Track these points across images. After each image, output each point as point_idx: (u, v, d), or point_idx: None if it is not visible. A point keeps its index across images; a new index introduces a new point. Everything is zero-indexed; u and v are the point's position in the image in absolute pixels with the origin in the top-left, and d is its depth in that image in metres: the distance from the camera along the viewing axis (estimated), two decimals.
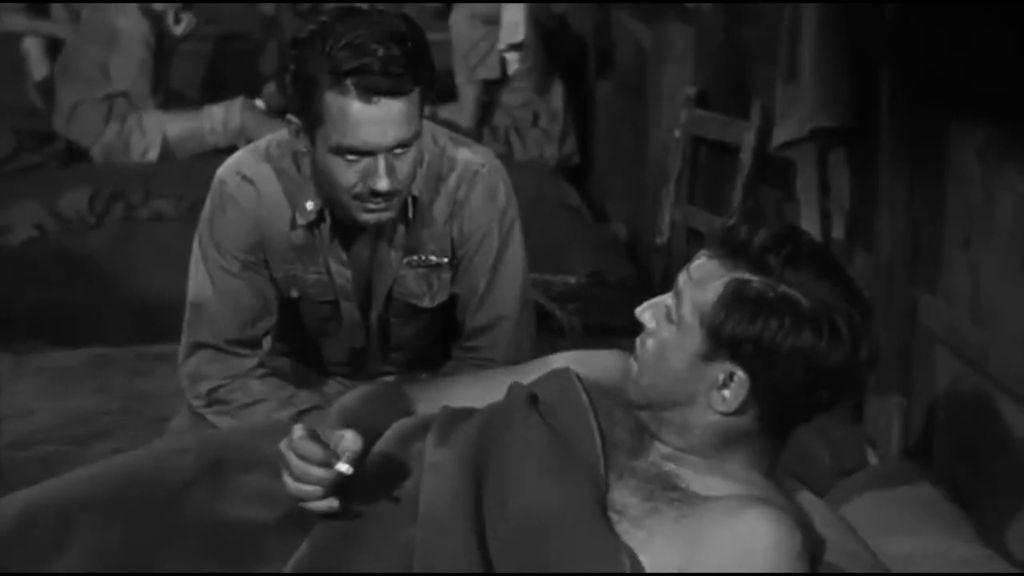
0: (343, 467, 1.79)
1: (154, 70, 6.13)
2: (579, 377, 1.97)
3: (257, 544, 1.87)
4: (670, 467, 1.86)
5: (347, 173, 2.27)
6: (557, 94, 6.47)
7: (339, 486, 1.81)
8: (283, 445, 1.82)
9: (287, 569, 1.81)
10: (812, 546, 1.83)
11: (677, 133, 5.01)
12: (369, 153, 2.25)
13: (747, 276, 1.81)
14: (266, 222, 2.44)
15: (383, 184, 2.26)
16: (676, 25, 5.14)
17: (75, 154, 6.08)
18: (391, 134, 2.23)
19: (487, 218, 2.46)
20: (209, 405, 2.51)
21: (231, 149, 6.00)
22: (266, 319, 2.50)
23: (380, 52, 2.19)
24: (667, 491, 1.83)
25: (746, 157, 4.47)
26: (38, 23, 6.43)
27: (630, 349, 1.93)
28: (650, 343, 1.88)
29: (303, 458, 1.80)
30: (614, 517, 1.81)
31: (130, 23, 6.05)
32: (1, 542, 1.91)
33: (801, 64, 3.63)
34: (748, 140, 4.46)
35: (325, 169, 2.30)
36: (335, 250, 2.45)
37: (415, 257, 2.46)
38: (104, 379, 4.15)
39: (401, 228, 2.43)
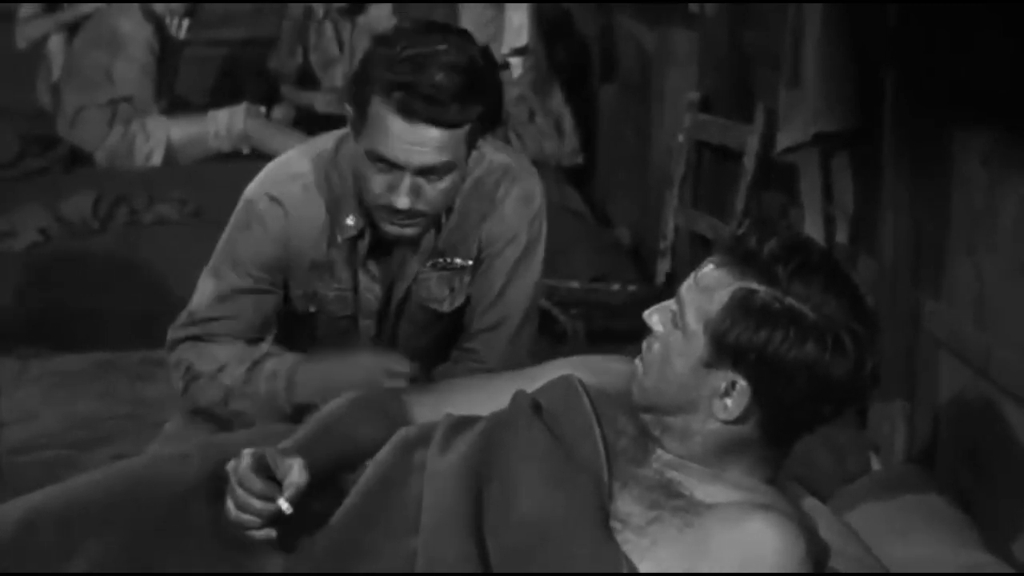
0: (283, 505, 1.81)
1: (158, 74, 6.12)
2: (583, 384, 1.97)
3: (258, 550, 1.87)
4: (673, 474, 1.86)
5: (376, 179, 2.29)
6: (555, 93, 6.45)
7: (277, 520, 1.82)
8: (230, 467, 1.84)
9: None
10: (816, 552, 1.83)
11: (680, 137, 5.00)
12: (398, 167, 2.26)
13: (754, 286, 1.80)
14: (293, 242, 2.43)
15: (402, 202, 2.27)
16: (679, 29, 5.14)
17: (79, 158, 6.06)
18: (418, 157, 2.25)
19: (518, 220, 2.47)
20: (187, 386, 2.49)
21: (235, 154, 5.99)
22: (262, 335, 2.50)
23: (436, 78, 2.20)
24: (671, 499, 1.83)
25: (749, 161, 4.47)
26: (58, 15, 6.36)
27: (633, 354, 1.93)
28: (656, 347, 1.88)
29: (245, 489, 1.81)
30: (617, 526, 1.81)
31: (133, 27, 6.03)
32: (2, 548, 1.91)
33: (804, 68, 3.63)
34: (751, 144, 4.46)
35: (359, 168, 2.33)
36: (369, 266, 2.45)
37: (440, 260, 2.47)
38: (107, 384, 4.14)
39: (430, 236, 2.43)
